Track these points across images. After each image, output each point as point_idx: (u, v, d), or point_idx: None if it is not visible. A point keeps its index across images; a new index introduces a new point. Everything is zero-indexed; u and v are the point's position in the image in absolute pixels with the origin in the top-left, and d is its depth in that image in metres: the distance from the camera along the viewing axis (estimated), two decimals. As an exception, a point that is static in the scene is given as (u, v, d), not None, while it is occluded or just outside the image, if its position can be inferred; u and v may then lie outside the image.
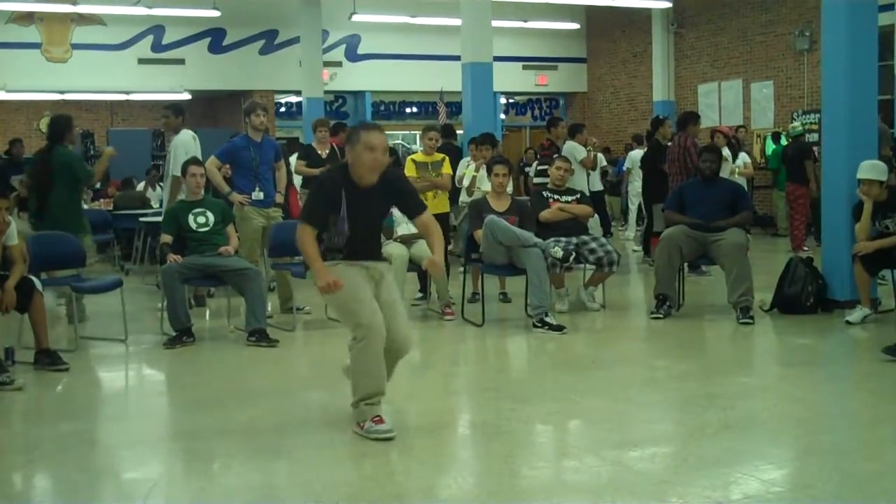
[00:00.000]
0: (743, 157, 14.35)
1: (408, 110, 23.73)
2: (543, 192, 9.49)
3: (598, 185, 14.62)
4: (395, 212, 8.91)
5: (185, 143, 9.77)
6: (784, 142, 16.36)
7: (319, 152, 10.86)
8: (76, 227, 9.11)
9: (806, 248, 12.95)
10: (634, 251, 14.41)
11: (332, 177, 5.34)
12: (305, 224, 5.23)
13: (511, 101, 24.23)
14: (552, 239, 8.62)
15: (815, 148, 13.27)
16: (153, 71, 20.13)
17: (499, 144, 13.90)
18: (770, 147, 17.37)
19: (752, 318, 8.27)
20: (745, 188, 12.20)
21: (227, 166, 11.10)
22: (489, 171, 9.13)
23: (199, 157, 9.24)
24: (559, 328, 8.05)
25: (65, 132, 9.29)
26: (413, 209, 5.48)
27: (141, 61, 20.11)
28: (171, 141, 10.01)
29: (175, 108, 10.22)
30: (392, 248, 8.72)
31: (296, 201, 11.22)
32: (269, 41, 21.08)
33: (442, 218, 12.79)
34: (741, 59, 19.25)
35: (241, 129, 10.94)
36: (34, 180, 9.34)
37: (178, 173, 9.59)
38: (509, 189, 9.09)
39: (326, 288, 5.03)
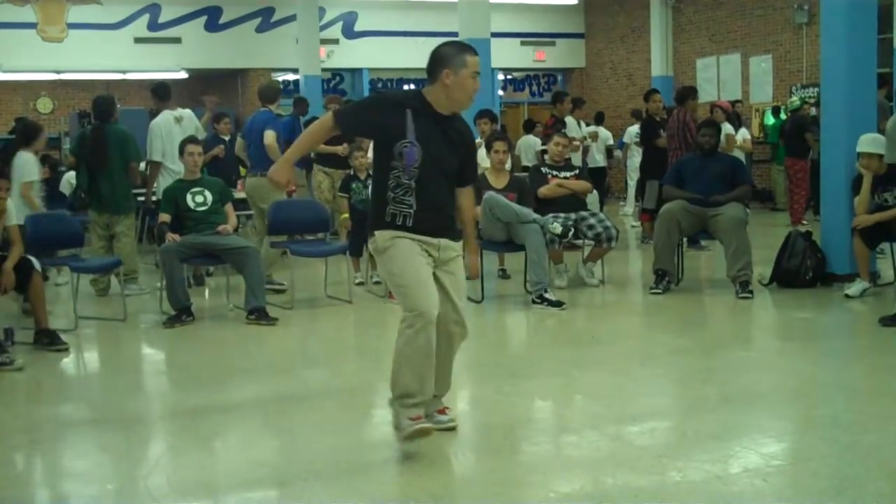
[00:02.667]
0: (742, 131, 14.32)
1: (405, 87, 23.64)
2: (542, 168, 9.47)
3: (599, 162, 14.60)
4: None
5: (162, 126, 9.76)
6: (784, 116, 16.33)
7: None
8: (126, 206, 9.24)
9: (805, 222, 12.95)
10: (633, 227, 14.40)
11: (396, 96, 4.65)
12: (331, 115, 4.60)
13: (509, 77, 24.12)
14: (551, 215, 8.61)
15: (813, 127, 13.22)
16: (149, 50, 20.02)
17: (498, 120, 13.89)
18: (770, 121, 17.33)
19: (751, 292, 8.27)
20: (744, 162, 12.17)
21: (223, 147, 11.11)
22: (488, 147, 9.11)
23: (193, 131, 9.21)
24: (558, 304, 8.05)
25: (113, 110, 9.37)
26: (469, 175, 4.79)
27: (137, 40, 20.00)
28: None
29: (154, 89, 10.22)
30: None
31: None
32: (266, 19, 20.98)
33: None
34: (740, 34, 19.17)
35: (237, 108, 11.02)
36: (87, 158, 9.25)
37: (157, 158, 9.63)
38: (508, 165, 9.08)
39: (276, 184, 4.73)
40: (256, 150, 9.75)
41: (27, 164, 8.81)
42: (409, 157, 4.42)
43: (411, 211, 4.45)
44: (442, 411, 4.82)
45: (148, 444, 5.03)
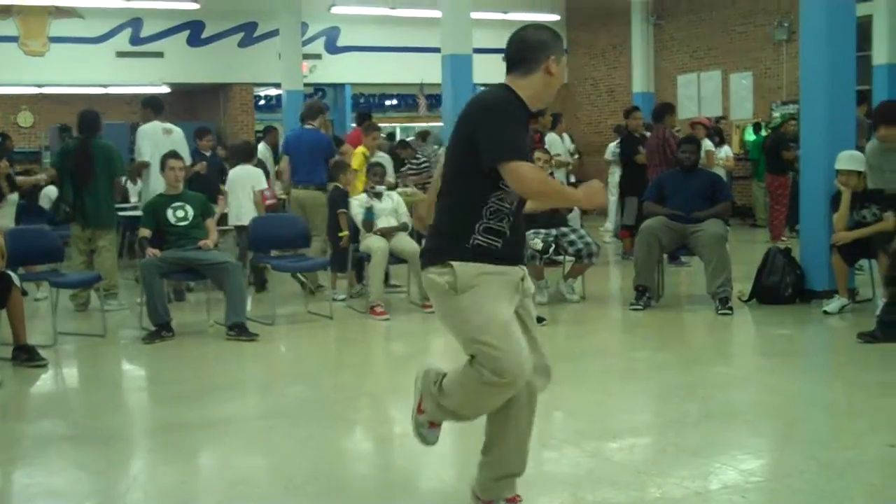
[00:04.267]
0: (725, 149, 14.40)
1: (388, 103, 23.67)
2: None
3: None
4: (376, 204, 8.96)
5: (150, 133, 9.92)
6: (764, 132, 16.42)
7: None
8: (110, 221, 9.22)
9: (784, 239, 13.01)
10: (606, 243, 14.42)
11: (518, 101, 3.65)
12: (520, 160, 3.48)
13: (491, 92, 24.19)
14: (531, 231, 8.63)
15: (791, 143, 13.31)
16: (131, 64, 19.98)
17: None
18: (750, 137, 17.42)
19: (731, 308, 8.31)
20: (725, 179, 12.24)
21: (204, 163, 11.19)
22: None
23: (180, 150, 9.20)
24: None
25: (99, 125, 9.40)
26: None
27: (119, 54, 19.97)
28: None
29: (148, 102, 10.50)
30: (372, 242, 8.73)
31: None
32: (249, 34, 20.98)
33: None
34: (720, 50, 19.28)
35: (219, 123, 11.13)
36: (72, 172, 9.20)
37: (147, 158, 9.90)
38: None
39: (601, 195, 3.74)
40: (304, 165, 10.20)
41: None
42: None
43: (502, 240, 3.63)
44: (513, 500, 3.93)
45: (127, 460, 5.00)
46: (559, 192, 3.76)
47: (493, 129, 3.51)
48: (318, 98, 21.11)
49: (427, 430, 4.02)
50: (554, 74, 3.69)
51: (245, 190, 10.13)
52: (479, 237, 3.60)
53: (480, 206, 3.60)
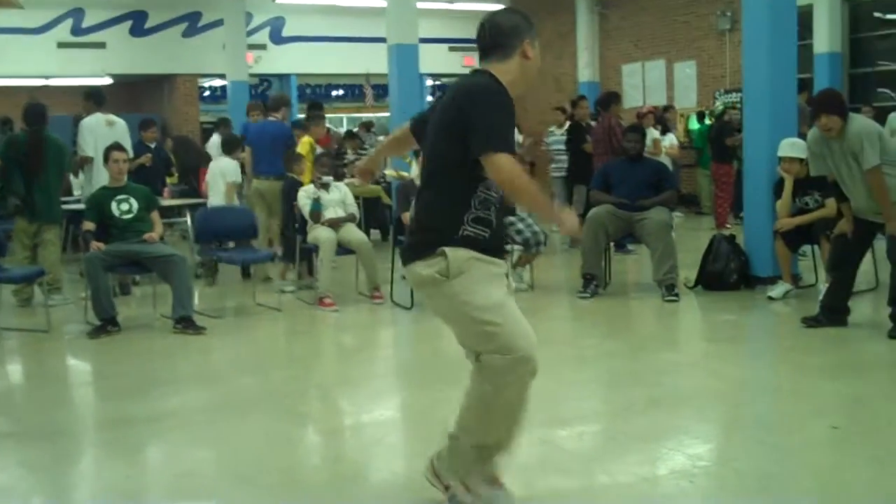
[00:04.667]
0: (670, 136, 14.52)
1: (334, 93, 23.60)
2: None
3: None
4: (323, 195, 8.92)
5: (94, 125, 9.85)
6: (708, 121, 16.59)
7: None
8: (57, 216, 9.09)
9: (729, 226, 13.15)
10: (553, 231, 14.48)
11: (501, 86, 3.54)
12: (507, 153, 3.37)
13: (438, 82, 24.20)
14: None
15: (736, 132, 13.46)
16: (73, 55, 19.72)
17: None
18: (694, 126, 17.59)
19: (677, 295, 8.39)
20: (670, 167, 12.34)
21: (149, 156, 11.09)
22: (417, 154, 9.11)
23: (123, 142, 9.09)
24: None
25: (46, 116, 9.25)
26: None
27: (60, 45, 19.69)
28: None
29: (91, 94, 10.40)
30: (320, 233, 8.69)
31: (205, 184, 11.27)
32: (193, 24, 20.79)
33: (374, 202, 12.92)
34: (664, 40, 19.42)
35: (163, 114, 11.08)
36: (23, 164, 8.97)
37: (90, 153, 9.83)
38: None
39: (576, 229, 3.61)
40: (266, 156, 10.33)
41: None
42: None
43: (489, 231, 3.56)
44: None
45: (72, 456, 4.93)
46: (534, 197, 3.46)
47: (483, 118, 3.40)
48: (275, 90, 21.05)
49: (489, 493, 3.73)
50: (531, 58, 3.62)
51: (223, 181, 10.32)
52: (469, 227, 3.50)
53: (469, 196, 3.50)
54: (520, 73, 3.61)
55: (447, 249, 3.47)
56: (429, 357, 7.19)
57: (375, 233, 13.35)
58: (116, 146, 8.53)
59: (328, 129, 11.18)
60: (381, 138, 14.44)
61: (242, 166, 10.68)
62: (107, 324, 7.70)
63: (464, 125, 3.42)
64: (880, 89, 16.10)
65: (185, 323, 7.66)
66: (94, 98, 10.22)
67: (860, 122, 6.65)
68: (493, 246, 3.59)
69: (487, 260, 3.55)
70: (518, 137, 14.36)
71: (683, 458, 4.45)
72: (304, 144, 10.32)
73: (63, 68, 19.62)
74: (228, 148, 10.70)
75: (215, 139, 12.77)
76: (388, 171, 11.70)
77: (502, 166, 3.35)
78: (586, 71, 20.84)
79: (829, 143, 6.64)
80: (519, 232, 8.87)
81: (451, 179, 3.54)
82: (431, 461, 3.86)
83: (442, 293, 3.53)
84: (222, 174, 10.31)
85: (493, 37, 3.62)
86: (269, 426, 5.23)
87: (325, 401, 6.01)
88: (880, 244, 7.13)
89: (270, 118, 10.84)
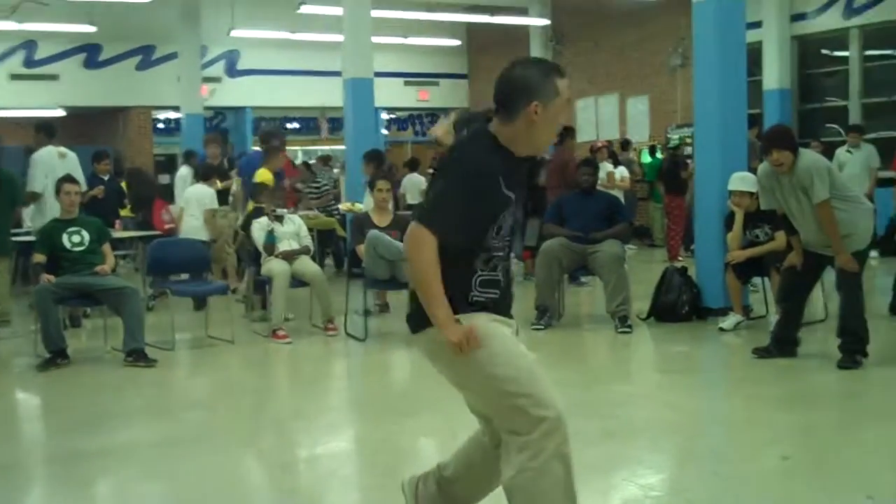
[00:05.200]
0: (621, 170, 14.64)
1: (289, 126, 23.58)
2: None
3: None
4: (277, 227, 8.89)
5: (46, 159, 9.74)
6: (660, 155, 16.78)
7: None
8: (6, 248, 8.96)
9: (681, 258, 13.25)
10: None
11: (483, 165, 3.25)
12: (432, 231, 3.18)
13: (393, 116, 24.29)
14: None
15: (688, 160, 13.62)
16: (26, 87, 19.57)
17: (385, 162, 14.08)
18: (646, 159, 17.77)
19: (630, 326, 8.44)
20: (622, 201, 12.45)
21: (102, 188, 11.02)
22: (371, 187, 9.13)
23: (75, 175, 9.00)
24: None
25: (1, 148, 9.14)
26: None
27: (13, 77, 19.55)
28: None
29: (42, 126, 10.29)
30: (274, 265, 8.66)
31: (160, 216, 11.23)
32: (147, 56, 20.73)
33: (329, 234, 12.89)
34: (617, 76, 19.67)
35: (117, 147, 11.05)
36: None
37: (39, 189, 9.62)
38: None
39: (462, 344, 3.19)
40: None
41: None
42: (506, 227, 3.32)
43: (499, 291, 3.37)
44: None
45: (22, 490, 4.86)
46: (430, 291, 3.19)
47: (436, 186, 3.28)
48: (229, 123, 20.99)
49: None
50: (535, 122, 3.26)
51: (201, 208, 10.56)
52: (478, 292, 3.30)
53: (472, 261, 3.28)
54: (524, 135, 3.29)
55: (462, 316, 3.23)
56: (383, 389, 7.18)
57: (330, 265, 13.35)
58: (68, 178, 8.46)
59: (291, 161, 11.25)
60: (336, 171, 14.48)
61: (223, 194, 10.81)
62: (56, 356, 7.61)
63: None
64: (828, 124, 16.38)
65: (136, 355, 7.58)
66: (45, 130, 10.16)
67: (810, 157, 6.76)
68: (503, 306, 3.41)
69: (503, 321, 3.37)
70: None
71: (636, 489, 4.46)
72: (261, 175, 10.24)
73: (15, 100, 19.45)
74: (204, 175, 10.80)
75: (184, 171, 12.74)
76: (342, 205, 11.71)
77: (415, 241, 3.19)
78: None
79: (778, 178, 6.74)
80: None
81: (454, 251, 3.25)
82: (417, 483, 3.74)
83: (462, 362, 3.24)
84: (199, 202, 10.47)
85: (501, 93, 3.33)
86: (222, 460, 5.18)
87: (279, 434, 5.97)
88: (829, 276, 7.23)
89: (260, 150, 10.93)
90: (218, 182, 11.36)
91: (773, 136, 6.86)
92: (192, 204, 10.68)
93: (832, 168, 6.86)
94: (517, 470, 3.19)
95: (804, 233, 6.87)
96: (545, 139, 3.41)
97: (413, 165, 15.48)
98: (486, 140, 3.32)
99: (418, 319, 3.34)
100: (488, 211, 3.23)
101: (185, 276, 9.53)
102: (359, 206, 10.30)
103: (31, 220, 10.74)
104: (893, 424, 5.55)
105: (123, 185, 13.17)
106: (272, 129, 12.10)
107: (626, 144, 17.36)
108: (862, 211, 6.74)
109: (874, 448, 5.11)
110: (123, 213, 12.83)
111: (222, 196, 11.25)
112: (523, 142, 3.31)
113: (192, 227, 10.63)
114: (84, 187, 9.35)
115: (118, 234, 10.31)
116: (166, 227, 11.17)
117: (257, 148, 10.93)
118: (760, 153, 6.98)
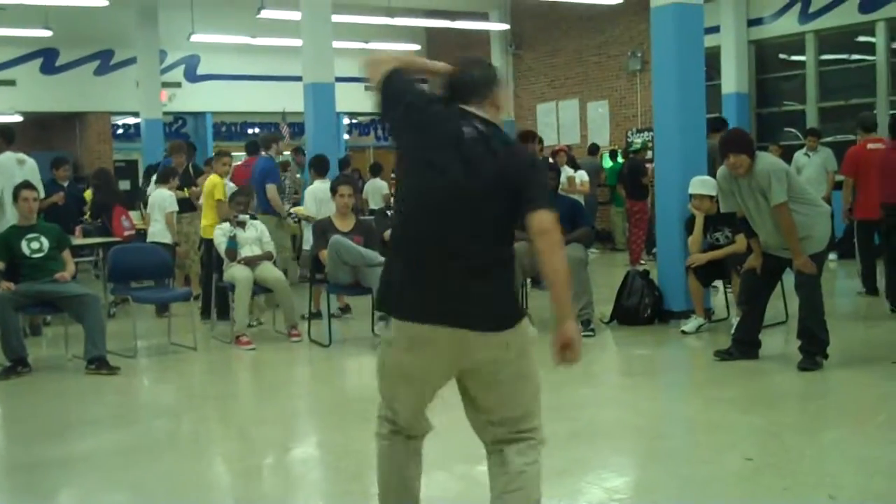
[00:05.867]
0: (581, 174, 14.72)
1: (249, 131, 23.45)
2: (389, 212, 9.54)
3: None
4: (239, 233, 8.85)
5: (5, 164, 9.58)
6: (621, 159, 16.88)
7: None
8: None
9: (643, 262, 13.35)
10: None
11: None
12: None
13: (354, 121, 24.25)
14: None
15: (648, 165, 13.72)
16: (-19, 93, 19.37)
17: (349, 166, 14.10)
18: (607, 164, 17.87)
19: (592, 330, 8.48)
20: (583, 205, 12.52)
21: (62, 194, 10.90)
22: (333, 191, 9.10)
23: (33, 181, 8.92)
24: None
25: None
26: None
27: (-32, 82, 19.35)
28: None
29: None
30: (236, 271, 8.62)
31: (119, 222, 11.16)
32: (105, 62, 20.55)
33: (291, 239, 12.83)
34: (577, 80, 19.76)
35: (75, 153, 10.94)
36: None
37: None
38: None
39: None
40: (258, 192, 10.44)
41: None
42: None
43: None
44: None
45: (-18, 501, 4.81)
46: (568, 281, 3.54)
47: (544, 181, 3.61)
48: (189, 128, 20.83)
49: None
50: (500, 108, 3.58)
51: (162, 212, 10.62)
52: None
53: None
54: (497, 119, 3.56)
55: (525, 321, 3.54)
56: (347, 394, 7.17)
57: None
58: (26, 184, 8.38)
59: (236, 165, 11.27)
60: (298, 176, 14.42)
61: (187, 201, 10.88)
62: (17, 365, 7.53)
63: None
64: (787, 128, 16.56)
65: (98, 363, 7.53)
66: (3, 135, 10.00)
67: (767, 160, 6.84)
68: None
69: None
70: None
71: (601, 492, 4.50)
72: (209, 183, 10.18)
73: (-29, 105, 19.23)
74: (162, 179, 10.81)
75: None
76: (297, 208, 11.68)
77: (556, 228, 3.47)
78: (501, 110, 21.04)
79: (737, 181, 6.81)
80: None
81: (509, 243, 3.67)
82: None
83: (527, 364, 3.60)
84: (160, 206, 10.46)
85: (480, 81, 3.52)
86: (186, 467, 5.16)
87: (243, 440, 5.95)
88: (789, 278, 7.31)
89: (262, 155, 11.03)
90: (186, 190, 11.32)
91: (730, 139, 6.94)
92: (154, 208, 10.69)
93: (790, 171, 6.94)
94: (533, 461, 3.55)
95: (763, 235, 6.94)
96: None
97: (376, 170, 15.47)
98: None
99: (513, 313, 3.49)
100: None
101: (148, 283, 9.45)
102: (311, 214, 10.19)
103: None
104: (854, 425, 5.64)
105: (87, 190, 13.08)
106: (268, 134, 12.12)
107: (594, 149, 17.41)
108: (819, 214, 6.82)
109: (835, 449, 5.18)
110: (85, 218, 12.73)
111: (187, 202, 11.20)
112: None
113: (155, 230, 10.65)
114: (42, 194, 9.27)
115: (78, 240, 10.20)
116: (126, 233, 11.08)
117: (266, 154, 10.94)
118: (720, 157, 7.06)
